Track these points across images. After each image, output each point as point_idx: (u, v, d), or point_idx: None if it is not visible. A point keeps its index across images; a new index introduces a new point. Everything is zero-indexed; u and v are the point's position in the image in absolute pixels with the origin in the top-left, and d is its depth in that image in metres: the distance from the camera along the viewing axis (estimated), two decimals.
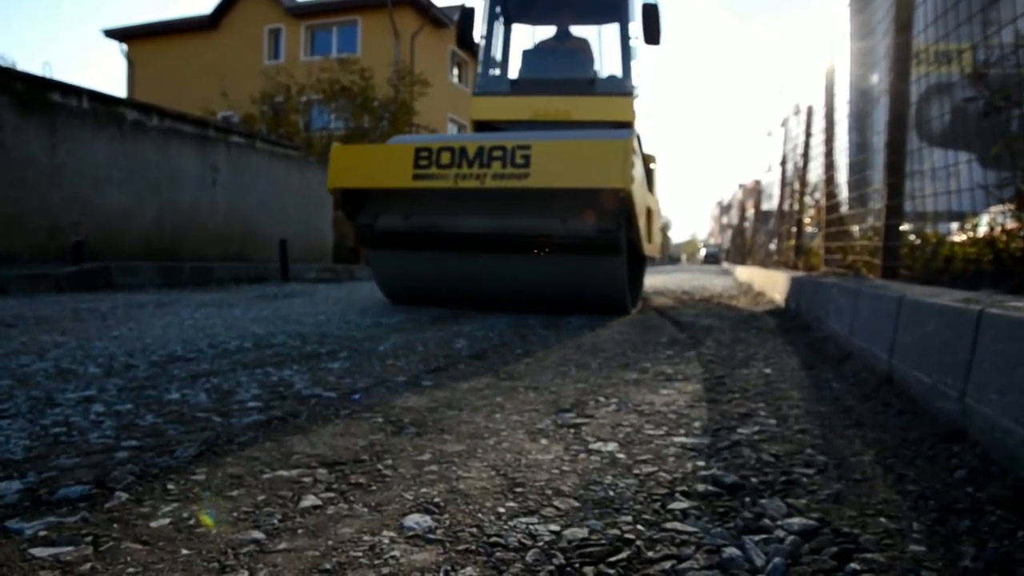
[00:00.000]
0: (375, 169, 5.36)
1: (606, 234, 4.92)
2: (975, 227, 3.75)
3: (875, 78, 6.65)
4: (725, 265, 29.96)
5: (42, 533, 1.17)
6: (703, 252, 61.66)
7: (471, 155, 4.90)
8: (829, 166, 6.45)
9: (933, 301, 2.14)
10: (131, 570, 1.05)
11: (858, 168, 6.05)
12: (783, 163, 10.73)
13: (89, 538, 1.16)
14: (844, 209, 6.23)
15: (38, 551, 1.10)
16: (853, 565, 1.09)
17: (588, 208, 4.89)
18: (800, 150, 8.37)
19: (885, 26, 4.71)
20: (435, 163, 4.97)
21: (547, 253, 5.22)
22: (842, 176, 6.49)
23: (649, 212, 6.31)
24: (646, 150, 7.11)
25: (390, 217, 5.42)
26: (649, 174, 6.85)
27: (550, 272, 5.43)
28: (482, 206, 5.16)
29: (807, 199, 8.25)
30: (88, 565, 1.06)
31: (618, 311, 5.55)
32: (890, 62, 4.15)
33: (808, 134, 7.94)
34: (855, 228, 6.02)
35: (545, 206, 4.97)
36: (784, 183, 10.73)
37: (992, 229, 3.43)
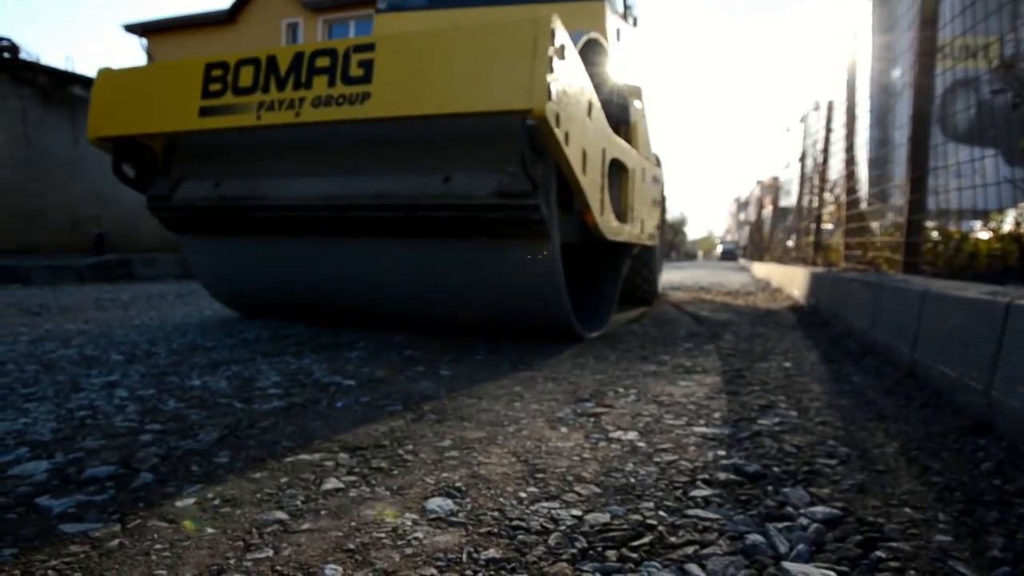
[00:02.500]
0: (153, 104, 3.38)
1: (514, 200, 2.89)
2: (1000, 223, 3.71)
3: (897, 72, 6.59)
4: (742, 262, 29.78)
5: (71, 510, 1.19)
6: (720, 248, 61.30)
7: (283, 70, 3.05)
8: (850, 161, 6.40)
9: (959, 294, 2.11)
10: (158, 547, 1.06)
11: (879, 164, 6.00)
12: (802, 159, 10.65)
13: (116, 516, 1.17)
14: (864, 205, 6.18)
15: (68, 527, 1.12)
16: (878, 553, 1.08)
17: (485, 156, 3.03)
18: (820, 145, 8.30)
19: (909, 20, 4.66)
20: (231, 87, 3.14)
21: (425, 235, 3.27)
22: (862, 172, 6.44)
23: (624, 172, 4.15)
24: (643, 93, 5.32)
25: (194, 185, 3.60)
26: (626, 117, 4.72)
27: (435, 269, 3.43)
28: (326, 161, 3.42)
29: (827, 195, 8.18)
30: (116, 541, 1.07)
31: (558, 335, 3.54)
32: (914, 56, 4.11)
33: (828, 129, 7.87)
34: (875, 224, 5.97)
35: (417, 155, 3.21)
36: (803, 179, 10.65)
37: (1019, 225, 3.39)
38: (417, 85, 2.82)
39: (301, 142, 3.44)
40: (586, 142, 3.07)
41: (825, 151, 8.05)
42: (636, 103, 4.94)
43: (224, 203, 3.50)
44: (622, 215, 4.15)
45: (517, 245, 3.13)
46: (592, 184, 3.23)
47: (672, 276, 13.54)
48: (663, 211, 6.90)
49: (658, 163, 6.12)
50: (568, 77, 2.81)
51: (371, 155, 3.31)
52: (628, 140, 4.40)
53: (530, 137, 2.69)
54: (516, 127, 2.72)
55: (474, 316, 3.64)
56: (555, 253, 3.10)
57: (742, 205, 58.41)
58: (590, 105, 3.15)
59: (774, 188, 19.82)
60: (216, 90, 3.17)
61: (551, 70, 2.59)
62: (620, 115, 4.66)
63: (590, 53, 3.95)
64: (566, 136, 2.76)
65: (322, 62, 2.99)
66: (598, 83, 3.92)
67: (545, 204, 2.90)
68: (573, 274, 4.02)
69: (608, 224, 3.67)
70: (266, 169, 3.49)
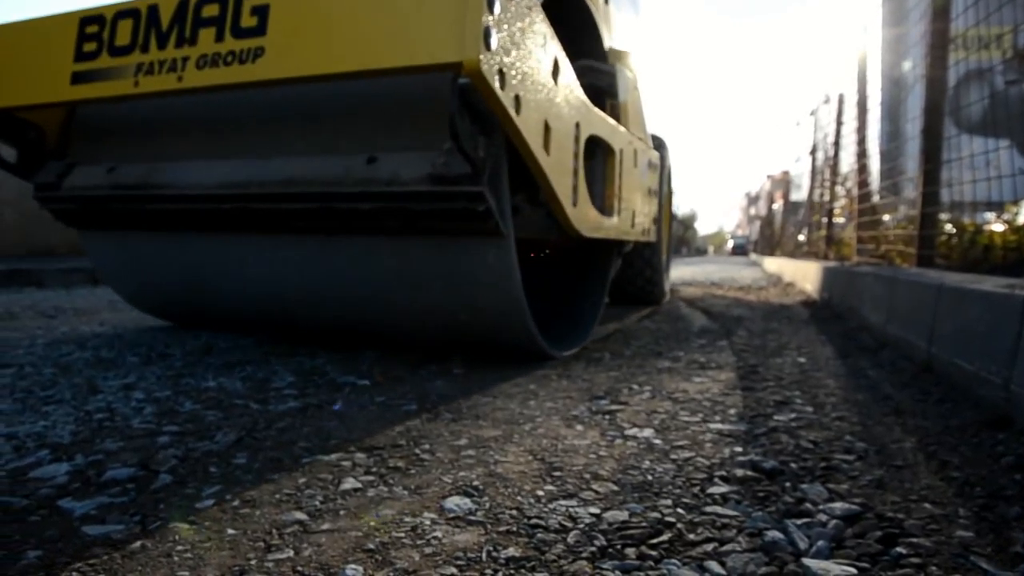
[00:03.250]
0: (23, 70, 2.76)
1: (450, 187, 2.32)
2: (1015, 214, 3.68)
3: (907, 65, 6.54)
4: (753, 257, 29.69)
5: (93, 512, 1.20)
6: (730, 243, 61.07)
7: (165, 23, 2.48)
8: (861, 154, 6.36)
9: (975, 287, 2.10)
10: (180, 548, 1.07)
11: (890, 157, 5.97)
12: (813, 152, 10.60)
13: (137, 518, 1.18)
14: (876, 198, 6.14)
15: (90, 529, 1.13)
16: (899, 549, 1.07)
17: (420, 131, 2.44)
18: (831, 139, 8.26)
19: (920, 12, 4.63)
20: (108, 46, 2.57)
21: (349, 231, 2.73)
22: (874, 165, 6.41)
23: (609, 154, 3.42)
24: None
25: (87, 170, 3.04)
26: (613, 88, 3.87)
27: (368, 275, 2.85)
28: (233, 140, 2.82)
29: (838, 189, 8.14)
30: (138, 543, 1.08)
31: (521, 354, 2.90)
32: (926, 49, 4.09)
33: (839, 122, 7.83)
34: (887, 217, 5.94)
35: (339, 132, 2.63)
36: (814, 173, 10.60)
37: None
38: (321, 37, 2.23)
39: (209, 117, 2.83)
40: (550, 112, 2.39)
41: (836, 144, 8.01)
42: (626, 72, 3.99)
43: (117, 193, 2.89)
44: (606, 206, 3.38)
45: (460, 245, 2.55)
46: (559, 167, 2.53)
47: (683, 272, 13.52)
48: (667, 202, 6.18)
49: (660, 147, 5.36)
50: (520, 25, 2.20)
51: (285, 132, 2.70)
52: (616, 117, 3.66)
53: (466, 102, 2.09)
54: (445, 87, 2.13)
55: (419, 333, 3.04)
56: (509, 255, 2.48)
57: (752, 200, 58.19)
58: (556, 66, 2.48)
59: (785, 182, 19.74)
60: (91, 51, 2.58)
61: (489, 11, 1.98)
62: (605, 86, 3.83)
63: (566, 8, 3.34)
64: (516, 101, 2.09)
65: (210, 11, 2.40)
66: (575, 44, 3.32)
67: (492, 192, 2.31)
68: (549, 277, 3.74)
69: (583, 218, 2.88)
70: (168, 151, 2.91)
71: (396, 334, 3.15)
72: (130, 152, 2.99)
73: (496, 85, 1.97)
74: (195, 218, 2.91)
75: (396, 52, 2.07)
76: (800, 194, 14.97)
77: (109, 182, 2.91)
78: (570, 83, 2.65)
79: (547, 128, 2.37)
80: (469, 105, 2.10)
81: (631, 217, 3.81)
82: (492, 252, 2.49)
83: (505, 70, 2.03)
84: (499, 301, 2.61)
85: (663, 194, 5.14)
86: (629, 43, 4.56)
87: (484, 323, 2.77)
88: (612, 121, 3.41)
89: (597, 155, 3.30)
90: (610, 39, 3.99)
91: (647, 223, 4.28)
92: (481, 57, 1.89)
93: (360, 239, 2.73)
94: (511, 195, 2.53)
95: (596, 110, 3.06)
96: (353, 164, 2.47)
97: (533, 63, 2.25)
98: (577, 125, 2.73)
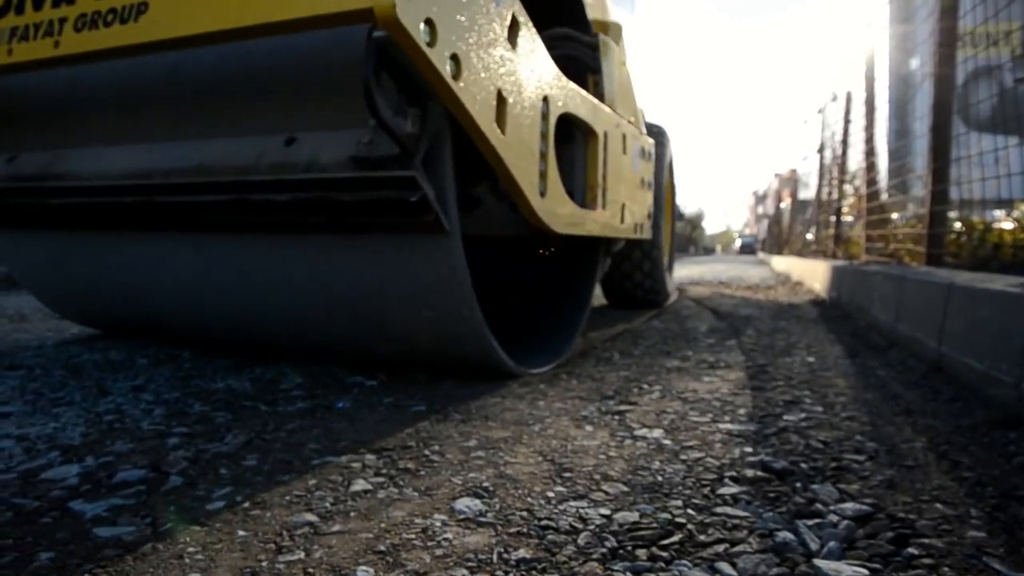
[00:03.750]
0: None
1: (375, 172, 1.89)
2: None
3: (915, 63, 6.52)
4: (761, 255, 29.61)
5: (104, 514, 1.21)
6: (738, 242, 60.89)
7: None
8: (870, 152, 6.34)
9: (986, 287, 2.09)
10: (191, 549, 1.07)
11: (899, 155, 5.94)
12: (821, 151, 10.57)
13: (148, 519, 1.18)
14: (884, 197, 6.12)
15: (101, 531, 1.13)
16: (911, 550, 1.07)
17: (344, 107, 1.94)
18: (839, 137, 8.23)
19: (927, 9, 4.61)
20: None
21: (269, 228, 2.33)
22: (882, 163, 6.38)
23: (591, 137, 2.94)
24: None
25: None
26: (595, 63, 3.40)
27: (285, 280, 2.44)
28: (140, 122, 2.39)
29: (846, 187, 8.11)
30: (149, 545, 1.09)
31: (481, 372, 2.46)
32: (934, 47, 4.07)
33: (847, 120, 7.80)
34: (896, 216, 5.92)
35: (256, 109, 2.17)
36: (822, 171, 10.57)
37: None
38: None
39: (118, 95, 2.38)
40: (504, 80, 2.00)
41: (844, 143, 7.98)
42: (612, 45, 3.48)
43: (16, 185, 2.51)
44: (588, 198, 2.93)
45: (395, 245, 2.14)
46: (519, 149, 2.13)
47: (691, 271, 13.49)
48: (668, 197, 5.69)
49: (658, 135, 4.90)
50: None
51: (197, 111, 2.27)
52: (600, 96, 3.18)
53: (387, 63, 1.68)
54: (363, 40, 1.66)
55: (363, 351, 2.62)
56: (454, 256, 2.05)
57: (760, 198, 58.07)
58: (515, 25, 2.09)
59: (792, 181, 19.69)
60: None
61: None
62: (587, 59, 3.37)
63: None
64: (454, 62, 1.72)
65: None
66: (551, 9, 2.91)
67: (428, 178, 1.88)
68: (535, 279, 3.37)
69: (555, 211, 2.47)
70: (74, 136, 2.51)
71: (334, 352, 2.73)
72: (32, 138, 2.57)
73: (421, 39, 1.61)
74: (100, 214, 2.51)
75: (296, 2, 1.73)
76: (808, 192, 14.94)
77: (8, 173, 2.53)
78: (535, 49, 2.25)
79: (501, 100, 1.99)
80: (393, 67, 1.70)
81: (620, 211, 3.34)
82: (436, 253, 2.07)
83: (436, 21, 1.66)
84: (446, 312, 2.20)
85: (662, 187, 4.80)
86: (618, 15, 4.12)
87: (431, 338, 2.35)
88: (594, 100, 2.92)
89: (577, 139, 2.91)
90: (596, 9, 3.53)
91: (640, 218, 3.80)
92: (400, 4, 1.54)
93: (281, 238, 2.33)
94: (471, 184, 2.22)
95: (573, 85, 2.63)
96: (269, 147, 2.07)
97: (480, 19, 1.87)
98: (545, 100, 2.34)
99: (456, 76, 1.73)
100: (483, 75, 1.88)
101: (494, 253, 3.61)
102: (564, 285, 3.37)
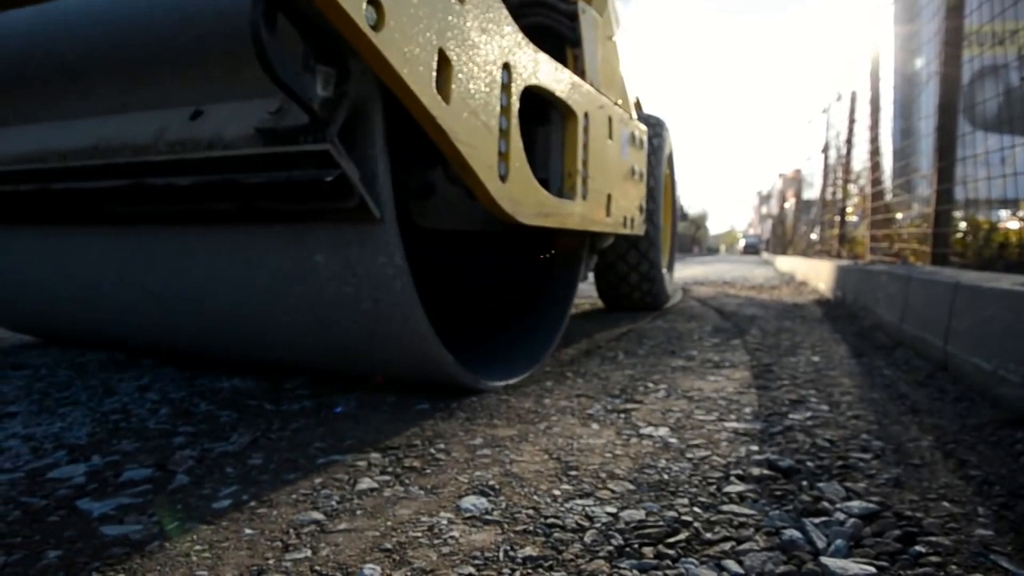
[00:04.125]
0: None
1: (284, 147, 1.55)
2: None
3: (920, 62, 6.50)
4: (765, 255, 29.57)
5: (111, 512, 1.21)
6: (742, 243, 60.78)
7: None
8: (875, 152, 6.33)
9: (992, 286, 2.08)
10: (198, 548, 1.07)
11: (903, 154, 5.93)
12: (825, 150, 10.55)
13: (155, 518, 1.19)
14: (889, 196, 6.11)
15: (108, 529, 1.14)
16: (918, 548, 1.07)
17: (252, 70, 1.45)
18: (843, 137, 8.22)
19: (932, 9, 4.60)
20: None
21: (164, 218, 1.99)
22: (887, 163, 6.37)
23: (568, 116, 2.59)
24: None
25: None
26: (574, 34, 3.05)
27: (195, 283, 2.11)
28: (42, 97, 2.12)
29: (851, 187, 8.10)
30: (156, 543, 1.09)
31: (434, 386, 2.18)
32: (940, 46, 4.06)
33: (852, 120, 7.79)
34: (900, 215, 5.91)
35: (162, 80, 1.89)
36: (826, 171, 10.55)
37: None
38: None
39: (16, 68, 2.09)
40: (448, 39, 1.66)
41: (849, 142, 7.97)
42: (594, 15, 3.11)
43: None
44: (564, 187, 2.58)
45: (316, 236, 1.77)
46: (472, 122, 1.80)
47: (695, 271, 13.47)
48: (667, 190, 5.24)
49: (655, 125, 4.57)
50: None
51: (98, 84, 1.98)
52: (580, 73, 2.81)
53: (285, 4, 1.39)
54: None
55: (300, 365, 2.33)
56: (389, 249, 1.70)
57: (764, 199, 57.99)
58: (501, 9, 1.89)
59: (796, 181, 19.66)
60: None
61: None
62: (564, 29, 3.00)
63: None
64: (374, 7, 1.39)
65: None
66: None
67: (347, 152, 1.54)
68: (498, 280, 3.06)
69: (518, 198, 2.12)
70: None
71: (270, 366, 2.43)
72: None
73: None
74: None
75: None
76: (812, 192, 14.91)
77: None
78: (491, 6, 1.89)
79: (444, 61, 1.65)
80: (294, 12, 1.40)
81: (605, 203, 2.95)
82: (367, 246, 1.71)
83: None
84: (382, 318, 1.83)
85: (660, 181, 4.50)
86: None
87: (372, 350, 2.02)
88: (571, 75, 2.54)
89: (553, 120, 2.59)
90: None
91: (630, 211, 3.41)
92: None
93: (183, 230, 1.98)
94: (426, 169, 1.91)
95: (545, 56, 2.28)
96: (172, 121, 1.78)
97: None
98: (507, 68, 1.99)
99: (377, 26, 1.40)
100: (417, 29, 1.53)
101: (462, 251, 3.30)
102: (544, 286, 3.04)
